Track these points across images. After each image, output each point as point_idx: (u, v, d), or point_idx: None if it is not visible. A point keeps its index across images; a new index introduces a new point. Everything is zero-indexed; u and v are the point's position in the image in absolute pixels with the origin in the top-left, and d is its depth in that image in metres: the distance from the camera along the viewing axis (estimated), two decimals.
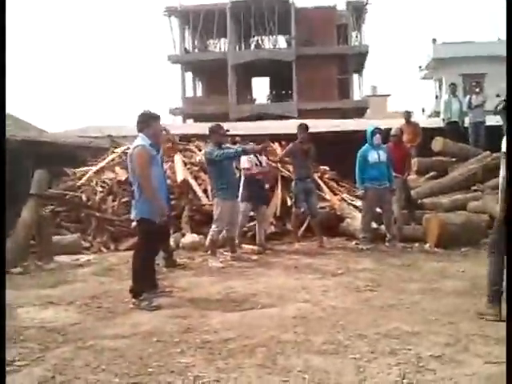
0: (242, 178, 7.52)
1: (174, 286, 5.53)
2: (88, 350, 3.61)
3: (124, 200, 8.61)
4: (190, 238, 7.88)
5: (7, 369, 3.19)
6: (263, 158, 7.78)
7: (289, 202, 8.76)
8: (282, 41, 35.18)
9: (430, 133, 10.82)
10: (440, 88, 32.40)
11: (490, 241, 4.45)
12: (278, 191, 9.06)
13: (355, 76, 35.17)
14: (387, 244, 7.66)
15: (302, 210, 8.02)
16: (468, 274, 5.77)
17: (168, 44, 46.67)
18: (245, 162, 7.48)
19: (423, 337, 3.70)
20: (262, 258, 7.20)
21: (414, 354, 3.37)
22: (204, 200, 8.57)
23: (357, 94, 34.75)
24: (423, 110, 34.96)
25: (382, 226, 7.89)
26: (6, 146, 6.50)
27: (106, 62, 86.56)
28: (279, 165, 9.43)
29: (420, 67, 35.92)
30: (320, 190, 9.32)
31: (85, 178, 9.40)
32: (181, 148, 10.11)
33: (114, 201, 8.81)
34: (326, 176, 10.10)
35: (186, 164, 9.41)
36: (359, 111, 31.33)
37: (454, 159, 10.43)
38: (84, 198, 8.90)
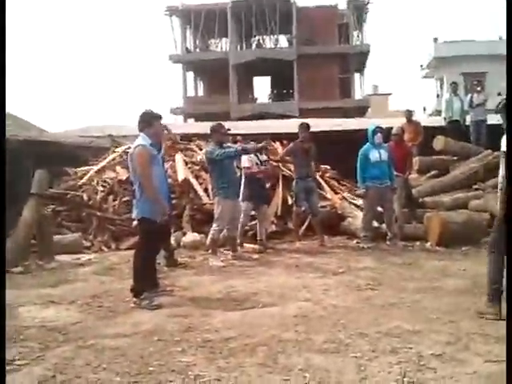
0: (243, 177, 7.53)
1: (174, 285, 5.53)
2: (89, 349, 3.61)
3: (125, 199, 8.62)
4: (191, 237, 7.88)
5: (7, 368, 3.19)
6: (264, 157, 7.77)
7: (290, 201, 8.75)
8: (283, 40, 35.17)
9: (432, 131, 10.80)
10: (441, 87, 32.41)
11: (490, 239, 4.44)
12: (279, 190, 9.06)
13: (356, 75, 35.09)
14: (388, 243, 7.66)
15: (303, 208, 8.03)
16: (469, 272, 5.76)
17: (169, 43, 46.68)
18: (245, 161, 7.48)
19: (424, 335, 3.70)
20: (263, 256, 7.20)
21: (414, 352, 3.37)
22: (205, 199, 8.57)
23: (358, 93, 34.73)
24: (424, 109, 34.98)
25: (383, 225, 7.88)
26: (7, 146, 6.51)
27: (107, 62, 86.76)
28: (280, 164, 9.43)
29: (421, 66, 35.96)
30: (321, 188, 9.32)
31: (86, 178, 9.40)
32: (182, 147, 10.11)
33: (114, 200, 8.82)
34: (327, 175, 10.09)
35: (187, 163, 9.41)
36: (360, 110, 31.27)
37: (455, 158, 10.41)
38: (85, 197, 8.91)
